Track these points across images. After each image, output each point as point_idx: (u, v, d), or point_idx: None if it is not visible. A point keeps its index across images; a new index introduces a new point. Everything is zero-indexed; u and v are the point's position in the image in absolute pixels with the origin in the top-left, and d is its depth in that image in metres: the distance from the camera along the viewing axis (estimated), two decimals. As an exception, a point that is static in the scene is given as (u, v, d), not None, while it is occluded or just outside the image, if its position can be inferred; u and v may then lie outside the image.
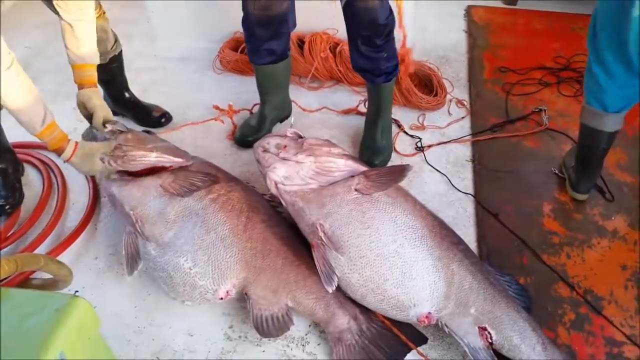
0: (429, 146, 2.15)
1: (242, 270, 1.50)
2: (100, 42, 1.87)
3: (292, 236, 1.61)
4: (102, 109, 1.75)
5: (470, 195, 1.95)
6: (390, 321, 1.50)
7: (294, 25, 1.99)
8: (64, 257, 1.70)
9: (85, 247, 1.76)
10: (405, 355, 1.46)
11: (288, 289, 1.50)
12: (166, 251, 1.51)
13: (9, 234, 1.75)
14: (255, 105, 2.31)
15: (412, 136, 2.21)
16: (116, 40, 2.12)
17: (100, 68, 1.81)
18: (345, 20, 1.85)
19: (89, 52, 1.73)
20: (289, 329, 1.46)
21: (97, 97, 1.75)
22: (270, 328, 1.44)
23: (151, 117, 2.26)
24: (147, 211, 1.56)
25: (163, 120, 2.27)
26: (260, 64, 2.03)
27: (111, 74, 2.15)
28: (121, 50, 2.16)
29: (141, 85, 2.50)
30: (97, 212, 1.87)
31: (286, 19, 1.93)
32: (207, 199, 1.56)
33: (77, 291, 1.58)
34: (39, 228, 1.79)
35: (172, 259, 1.50)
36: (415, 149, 2.16)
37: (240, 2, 1.89)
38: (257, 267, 1.51)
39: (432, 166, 2.07)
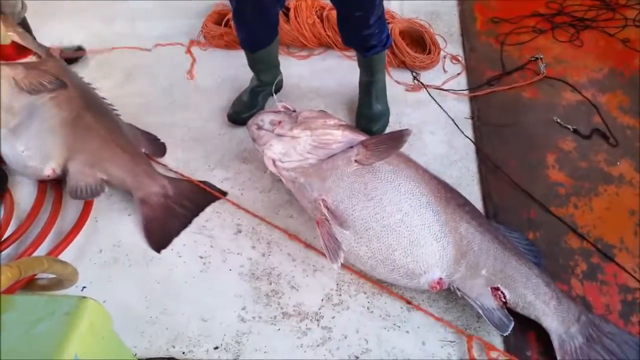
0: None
1: (63, 153, 1.79)
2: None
3: (118, 126, 1.92)
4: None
5: (472, 153, 1.92)
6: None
7: (283, 3, 1.92)
8: (67, 254, 1.69)
9: (88, 241, 1.74)
10: (207, 205, 1.80)
11: (102, 165, 1.80)
12: (8, 138, 1.78)
13: (5, 237, 1.73)
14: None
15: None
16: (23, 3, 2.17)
17: None
18: (335, 4, 1.79)
19: None
20: (99, 195, 1.77)
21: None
22: (83, 194, 1.75)
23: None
24: None
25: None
26: (254, 51, 1.97)
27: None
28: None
29: (125, 69, 2.43)
30: (96, 205, 1.84)
31: (277, 6, 1.86)
32: (47, 96, 1.82)
33: (84, 287, 1.60)
34: (38, 227, 1.76)
35: (12, 143, 1.78)
36: (414, 80, 2.13)
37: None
38: (77, 149, 1.80)
39: (433, 99, 2.07)
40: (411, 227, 1.42)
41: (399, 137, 1.50)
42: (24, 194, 1.89)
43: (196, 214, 1.79)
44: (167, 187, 1.82)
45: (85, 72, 2.35)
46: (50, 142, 1.80)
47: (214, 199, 1.83)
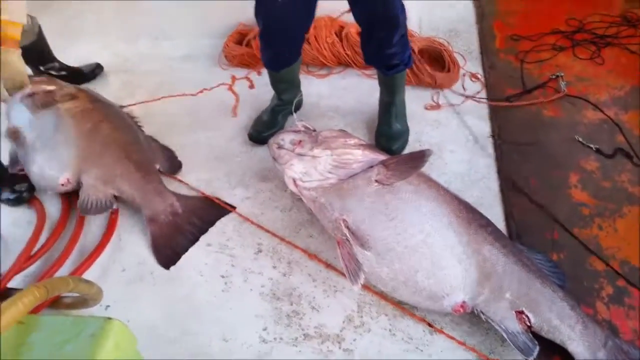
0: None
1: (79, 164, 1.86)
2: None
3: (135, 142, 1.97)
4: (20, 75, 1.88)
5: (493, 172, 1.91)
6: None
7: (310, 25, 1.93)
8: (91, 271, 1.71)
9: (112, 259, 1.76)
10: (216, 220, 1.83)
11: (114, 181, 1.84)
12: (29, 150, 1.90)
13: (33, 252, 1.76)
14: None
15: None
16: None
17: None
18: (358, 21, 1.81)
19: (17, 8, 1.77)
20: (109, 211, 1.82)
21: (19, 61, 1.84)
22: (91, 209, 1.79)
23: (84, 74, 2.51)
24: (18, 122, 1.95)
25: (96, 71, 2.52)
26: (277, 69, 2.00)
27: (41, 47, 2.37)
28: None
29: (149, 88, 2.48)
30: (120, 222, 1.87)
31: (306, 25, 1.88)
32: (62, 109, 1.95)
33: (108, 306, 1.62)
34: (64, 242, 1.79)
35: (31, 153, 1.89)
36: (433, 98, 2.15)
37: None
38: (92, 162, 1.86)
39: (455, 111, 2.10)
40: (433, 249, 1.41)
41: (420, 157, 1.50)
42: (50, 211, 1.92)
43: (205, 230, 1.81)
44: (175, 205, 1.85)
45: (110, 90, 2.40)
46: (66, 152, 1.87)
47: (222, 214, 1.86)
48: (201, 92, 2.35)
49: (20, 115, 2.00)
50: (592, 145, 1.97)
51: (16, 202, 1.95)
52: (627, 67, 2.31)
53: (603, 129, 2.05)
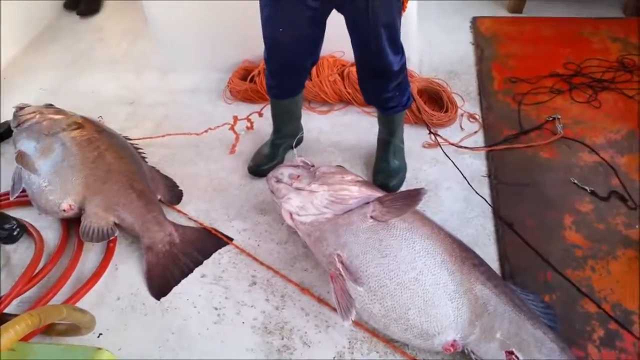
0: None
1: (82, 191, 1.90)
2: None
3: (138, 172, 2.01)
4: None
5: (489, 211, 1.93)
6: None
7: (317, 59, 1.96)
8: (86, 299, 1.73)
9: (107, 288, 1.77)
10: (213, 252, 1.85)
11: (116, 209, 1.88)
12: (33, 175, 1.95)
13: (34, 273, 1.77)
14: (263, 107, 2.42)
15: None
16: None
17: None
18: (357, 66, 1.87)
19: None
20: (109, 239, 1.85)
21: None
22: (93, 236, 1.82)
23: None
24: (25, 148, 2.04)
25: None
26: (280, 98, 2.04)
27: None
28: None
29: (155, 120, 2.54)
30: (117, 251, 1.89)
31: (311, 61, 1.93)
32: (68, 137, 2.03)
33: (100, 334, 1.62)
34: (59, 270, 1.81)
35: (36, 179, 1.94)
36: (430, 133, 2.18)
37: (250, 31, 1.91)
38: (96, 189, 1.91)
39: (449, 157, 2.10)
40: (425, 286, 1.42)
41: (415, 195, 1.52)
42: (49, 237, 1.95)
43: (200, 262, 1.82)
44: (173, 235, 1.87)
45: (116, 121, 2.46)
46: (71, 179, 1.92)
47: (219, 246, 1.88)
48: (206, 132, 2.40)
49: (28, 141, 2.06)
50: (587, 188, 1.98)
51: (8, 240, 1.96)
52: (624, 111, 2.34)
53: (598, 171, 2.07)
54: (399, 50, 1.77)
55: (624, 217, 1.87)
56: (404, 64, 1.82)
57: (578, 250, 1.78)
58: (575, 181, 2.01)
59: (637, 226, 1.83)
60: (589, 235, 1.83)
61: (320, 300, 1.67)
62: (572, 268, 1.72)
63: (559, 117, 2.30)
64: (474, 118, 2.36)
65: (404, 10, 1.70)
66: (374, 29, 1.66)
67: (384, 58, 1.73)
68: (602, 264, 1.73)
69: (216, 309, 1.68)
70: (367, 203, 1.59)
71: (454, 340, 1.41)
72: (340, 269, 1.49)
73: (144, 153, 2.19)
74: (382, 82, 1.83)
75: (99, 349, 1.06)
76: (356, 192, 1.63)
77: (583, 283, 1.67)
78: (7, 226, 1.94)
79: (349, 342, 1.56)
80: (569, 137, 2.22)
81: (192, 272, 1.79)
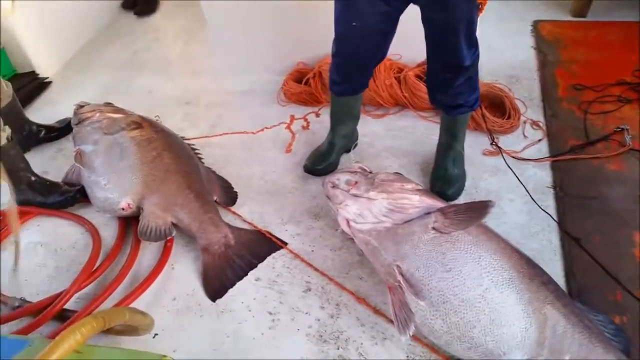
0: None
1: (141, 190, 1.92)
2: None
3: (195, 172, 2.03)
4: None
5: (554, 225, 1.84)
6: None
7: (384, 56, 1.93)
8: (143, 298, 1.74)
9: (163, 287, 1.78)
10: (266, 256, 1.83)
11: (174, 209, 1.88)
12: (92, 173, 1.99)
13: (94, 269, 1.81)
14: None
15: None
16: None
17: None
18: (428, 61, 1.82)
19: None
20: (167, 238, 1.86)
21: None
22: (151, 235, 1.82)
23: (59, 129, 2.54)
24: (85, 145, 2.08)
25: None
26: (341, 95, 2.01)
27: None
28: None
29: (209, 121, 2.55)
30: (174, 250, 1.90)
31: (377, 58, 1.90)
32: (128, 136, 2.05)
33: (156, 334, 1.63)
34: (116, 268, 1.83)
35: (95, 177, 1.98)
36: (492, 144, 2.11)
37: (305, 33, 1.89)
38: (154, 189, 1.92)
39: (510, 168, 2.03)
40: (492, 304, 1.36)
41: (482, 207, 1.47)
42: (106, 235, 1.98)
43: (254, 265, 1.81)
44: (229, 237, 1.86)
45: (172, 121, 2.49)
46: (129, 178, 1.93)
47: (273, 249, 1.86)
48: (262, 130, 2.39)
49: (87, 140, 2.10)
50: (658, 204, 1.87)
51: (64, 203, 2.05)
52: (697, 122, 2.21)
53: (670, 186, 1.95)
54: (473, 44, 1.72)
55: (700, 236, 1.75)
56: (477, 59, 1.77)
57: (650, 270, 1.68)
58: (647, 197, 1.91)
59: None
60: (662, 255, 1.72)
61: (377, 310, 1.63)
62: (644, 289, 1.62)
63: (628, 127, 2.18)
64: (538, 125, 2.27)
65: (481, 12, 1.65)
66: (452, 23, 1.61)
67: (459, 53, 1.68)
68: (676, 285, 1.63)
69: (271, 313, 1.66)
70: (429, 213, 1.54)
71: (521, 362, 1.35)
72: (401, 281, 1.44)
73: (200, 154, 2.20)
74: (452, 75, 1.77)
75: (165, 356, 1.05)
76: (417, 201, 1.58)
77: (657, 306, 1.57)
78: (64, 189, 2.06)
79: (407, 356, 1.51)
80: (638, 150, 2.10)
81: (246, 275, 1.79)
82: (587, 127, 2.24)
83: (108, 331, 1.56)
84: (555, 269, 1.69)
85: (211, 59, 2.93)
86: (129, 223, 2.00)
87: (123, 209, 1.92)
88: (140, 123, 2.13)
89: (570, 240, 1.78)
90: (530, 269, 1.44)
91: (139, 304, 1.71)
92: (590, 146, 2.15)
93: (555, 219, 1.86)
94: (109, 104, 2.31)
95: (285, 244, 1.87)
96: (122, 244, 1.94)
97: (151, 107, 2.59)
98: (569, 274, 1.69)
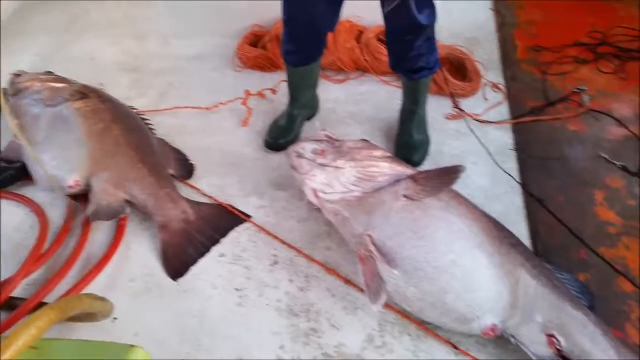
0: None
1: (90, 165, 1.79)
2: None
3: (147, 144, 1.90)
4: None
5: (517, 186, 1.84)
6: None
7: (336, 22, 1.86)
8: (98, 281, 1.63)
9: (120, 269, 1.67)
10: (229, 230, 1.75)
11: (126, 185, 1.77)
12: (35, 149, 1.82)
13: (42, 252, 1.68)
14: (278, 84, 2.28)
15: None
16: None
17: None
18: (386, 24, 1.75)
19: None
20: (120, 216, 1.74)
21: None
22: (103, 214, 1.71)
23: None
24: (25, 119, 1.91)
25: None
26: (297, 65, 1.92)
27: None
28: None
29: (159, 88, 2.41)
30: (128, 229, 1.79)
31: (332, 24, 1.82)
32: (72, 107, 1.89)
33: (115, 318, 1.53)
34: (66, 251, 1.71)
35: (39, 154, 1.81)
36: (455, 107, 2.08)
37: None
38: (104, 164, 1.79)
39: (470, 129, 2.02)
40: (464, 270, 1.34)
41: (452, 172, 1.44)
42: (53, 215, 1.84)
43: (217, 241, 1.73)
44: (188, 212, 1.76)
45: (119, 89, 2.32)
46: (76, 153, 1.80)
47: (236, 223, 1.78)
48: (216, 106, 2.26)
49: (27, 113, 1.92)
50: (617, 163, 1.91)
51: (2, 182, 1.88)
52: (651, 82, 2.26)
53: (628, 145, 1.99)
54: (428, 3, 1.66)
55: (657, 192, 1.81)
56: (434, 19, 1.71)
57: (611, 227, 1.72)
58: (605, 156, 1.94)
59: (671, 203, 1.76)
60: (622, 212, 1.77)
61: (348, 280, 1.60)
62: (606, 246, 1.67)
63: (585, 88, 2.21)
64: (498, 88, 2.26)
65: None
66: None
67: (412, 12, 1.62)
68: (636, 241, 1.68)
69: (237, 290, 1.60)
70: (398, 181, 1.50)
71: (494, 325, 1.35)
72: (373, 251, 1.40)
73: (151, 124, 2.07)
74: (411, 37, 1.71)
75: (133, 346, 0.97)
76: (386, 168, 1.53)
77: (618, 261, 1.62)
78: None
79: (379, 324, 1.49)
80: (596, 110, 2.14)
81: (209, 251, 1.70)
82: (546, 88, 2.25)
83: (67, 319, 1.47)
84: (520, 230, 1.70)
85: (158, 21, 2.75)
86: (78, 201, 1.86)
87: (70, 186, 1.78)
88: (85, 92, 1.97)
89: (533, 201, 1.79)
90: (499, 232, 1.44)
91: (93, 288, 1.61)
92: (550, 107, 2.17)
93: (518, 180, 1.87)
94: (49, 73, 2.12)
95: (249, 216, 1.79)
96: (72, 225, 1.80)
97: (94, 75, 2.40)
98: (533, 234, 1.70)
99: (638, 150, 1.96)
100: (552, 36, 2.49)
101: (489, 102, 2.20)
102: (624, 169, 1.90)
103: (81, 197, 1.84)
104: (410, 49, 1.76)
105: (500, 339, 1.41)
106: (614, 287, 1.56)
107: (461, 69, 2.27)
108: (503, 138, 2.04)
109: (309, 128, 2.12)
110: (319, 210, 1.66)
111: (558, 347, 1.33)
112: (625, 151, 1.97)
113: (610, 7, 2.65)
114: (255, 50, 2.41)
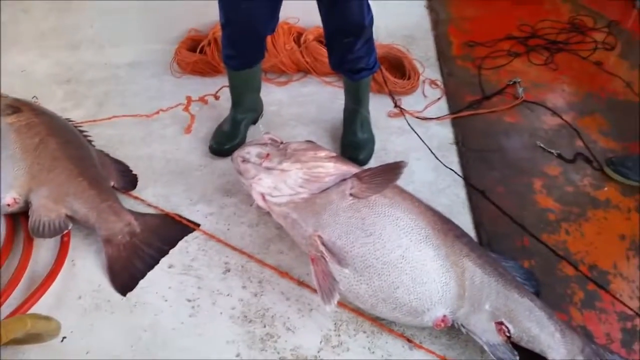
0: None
1: (27, 182, 1.73)
2: None
3: (86, 157, 1.85)
4: None
5: (460, 179, 1.90)
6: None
7: (275, 25, 1.85)
8: (43, 301, 1.56)
9: (66, 286, 1.61)
10: (178, 240, 1.72)
11: (66, 200, 1.71)
12: None
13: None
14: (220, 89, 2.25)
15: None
16: None
17: None
18: (324, 26, 1.76)
19: None
20: (62, 233, 1.67)
21: None
22: (44, 231, 1.65)
23: None
24: None
25: None
26: (239, 69, 1.91)
27: None
28: None
29: (95, 98, 2.33)
30: (73, 245, 1.72)
31: (271, 26, 1.81)
32: (4, 123, 1.82)
33: (64, 337, 1.48)
34: (9, 271, 1.63)
35: None
36: (395, 107, 2.10)
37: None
38: (42, 180, 1.73)
39: (411, 127, 2.04)
40: (413, 263, 1.37)
41: (395, 168, 1.46)
42: (-10, 237, 1.75)
43: (165, 252, 1.69)
44: (133, 224, 1.72)
45: (54, 102, 2.23)
46: (11, 170, 1.73)
47: (185, 233, 1.75)
48: (157, 113, 2.21)
49: None
50: (553, 151, 2.00)
51: None
52: (580, 72, 2.38)
53: (562, 134, 2.09)
54: (367, 5, 1.69)
55: (590, 178, 1.90)
56: (372, 19, 1.75)
57: (551, 214, 1.80)
58: (542, 145, 2.03)
59: (604, 188, 1.86)
60: (560, 199, 1.85)
61: (301, 282, 1.60)
62: (547, 232, 1.74)
63: (519, 80, 2.30)
64: (436, 84, 2.32)
65: None
66: None
67: (352, 15, 1.65)
68: (575, 226, 1.76)
69: (189, 300, 1.57)
70: (344, 180, 1.51)
71: (444, 316, 1.38)
72: (323, 251, 1.41)
73: (89, 136, 2.00)
74: (352, 39, 1.74)
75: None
76: (332, 168, 1.55)
77: (559, 247, 1.69)
78: None
79: (335, 324, 1.50)
80: (530, 101, 2.23)
81: (157, 263, 1.66)
82: (482, 82, 2.33)
83: (9, 343, 1.40)
84: (465, 222, 1.76)
85: (90, 29, 2.65)
86: (18, 220, 1.78)
87: (9, 205, 1.70)
88: (17, 107, 1.88)
89: (476, 192, 1.85)
90: (443, 225, 1.47)
91: (40, 308, 1.53)
92: (487, 101, 2.24)
93: (460, 174, 1.93)
94: None
95: (198, 225, 1.77)
96: (12, 244, 1.72)
97: (27, 88, 2.31)
98: (478, 225, 1.76)
99: (572, 138, 2.06)
100: (484, 31, 2.58)
101: (429, 98, 2.26)
102: (560, 156, 1.99)
103: (22, 214, 1.75)
104: (350, 52, 1.79)
105: (453, 330, 1.45)
106: (557, 271, 1.64)
107: (400, 68, 2.32)
108: (444, 133, 2.10)
109: (254, 132, 2.10)
110: (269, 214, 1.65)
111: (507, 334, 1.38)
112: (560, 139, 2.07)
113: (536, 0, 2.77)
114: (194, 55, 2.37)
